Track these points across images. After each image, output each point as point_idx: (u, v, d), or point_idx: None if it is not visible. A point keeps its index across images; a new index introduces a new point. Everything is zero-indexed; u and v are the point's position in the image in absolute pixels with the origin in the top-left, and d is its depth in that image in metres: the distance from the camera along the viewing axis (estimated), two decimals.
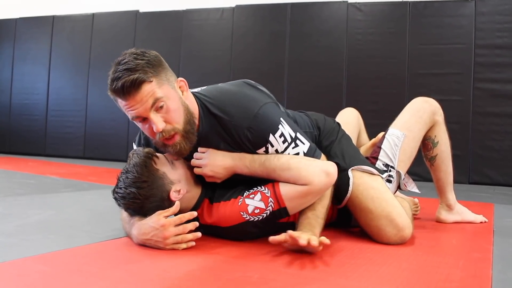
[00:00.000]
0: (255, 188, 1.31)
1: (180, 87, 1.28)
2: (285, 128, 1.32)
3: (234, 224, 1.31)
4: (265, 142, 1.30)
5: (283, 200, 1.27)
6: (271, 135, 1.29)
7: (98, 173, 4.02)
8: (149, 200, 1.24)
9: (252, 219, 1.29)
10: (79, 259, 1.16)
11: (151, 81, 1.17)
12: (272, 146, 1.30)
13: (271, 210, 1.28)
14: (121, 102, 1.20)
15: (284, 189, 1.27)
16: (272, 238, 1.20)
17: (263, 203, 1.28)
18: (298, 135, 1.35)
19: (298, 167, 1.26)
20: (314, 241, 1.15)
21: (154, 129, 1.20)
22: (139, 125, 1.26)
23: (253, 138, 1.29)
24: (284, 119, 1.33)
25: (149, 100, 1.17)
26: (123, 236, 1.39)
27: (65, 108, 5.78)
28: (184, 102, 1.26)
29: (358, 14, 4.57)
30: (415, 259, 1.25)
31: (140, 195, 1.23)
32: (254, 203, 1.28)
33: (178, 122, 1.23)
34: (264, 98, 1.34)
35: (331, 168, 1.28)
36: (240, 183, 1.35)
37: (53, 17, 5.91)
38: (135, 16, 5.50)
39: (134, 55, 1.19)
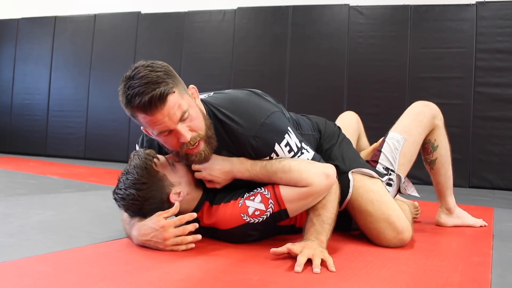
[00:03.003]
0: (255, 190, 1.31)
1: (192, 94, 1.27)
2: (292, 138, 1.31)
3: (234, 226, 1.30)
4: (270, 151, 1.29)
5: (283, 201, 1.27)
6: (276, 144, 1.28)
7: (98, 174, 4.03)
8: (148, 201, 1.24)
9: (252, 221, 1.29)
10: (79, 259, 1.16)
11: (174, 92, 1.14)
12: (277, 155, 1.29)
13: (271, 212, 1.27)
14: (144, 118, 1.14)
15: (284, 191, 1.27)
16: (273, 250, 1.19)
17: (263, 205, 1.27)
18: (304, 144, 1.34)
19: (299, 169, 1.26)
20: (316, 268, 1.08)
21: (182, 140, 1.17)
22: (161, 139, 1.21)
23: (257, 147, 1.28)
24: (291, 129, 1.33)
25: (176, 113, 1.13)
26: (124, 237, 1.39)
27: (66, 108, 5.80)
28: (200, 108, 1.25)
29: (359, 17, 4.58)
30: (414, 263, 1.25)
31: (139, 197, 1.23)
32: (254, 204, 1.28)
33: (201, 128, 1.21)
34: (271, 107, 1.34)
35: (331, 171, 1.28)
36: (241, 188, 1.35)
37: (55, 17, 5.93)
38: (137, 17, 5.52)
39: (148, 68, 1.13)
